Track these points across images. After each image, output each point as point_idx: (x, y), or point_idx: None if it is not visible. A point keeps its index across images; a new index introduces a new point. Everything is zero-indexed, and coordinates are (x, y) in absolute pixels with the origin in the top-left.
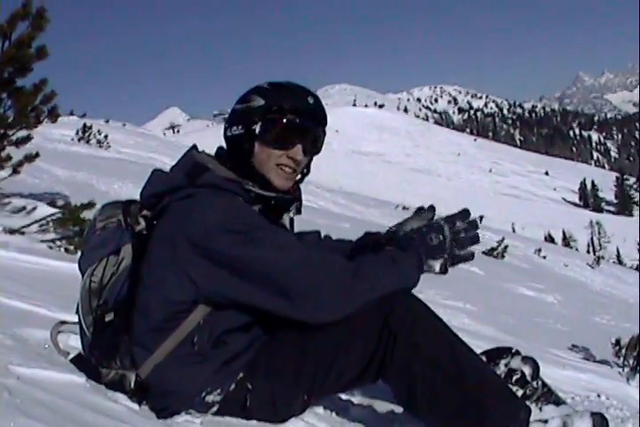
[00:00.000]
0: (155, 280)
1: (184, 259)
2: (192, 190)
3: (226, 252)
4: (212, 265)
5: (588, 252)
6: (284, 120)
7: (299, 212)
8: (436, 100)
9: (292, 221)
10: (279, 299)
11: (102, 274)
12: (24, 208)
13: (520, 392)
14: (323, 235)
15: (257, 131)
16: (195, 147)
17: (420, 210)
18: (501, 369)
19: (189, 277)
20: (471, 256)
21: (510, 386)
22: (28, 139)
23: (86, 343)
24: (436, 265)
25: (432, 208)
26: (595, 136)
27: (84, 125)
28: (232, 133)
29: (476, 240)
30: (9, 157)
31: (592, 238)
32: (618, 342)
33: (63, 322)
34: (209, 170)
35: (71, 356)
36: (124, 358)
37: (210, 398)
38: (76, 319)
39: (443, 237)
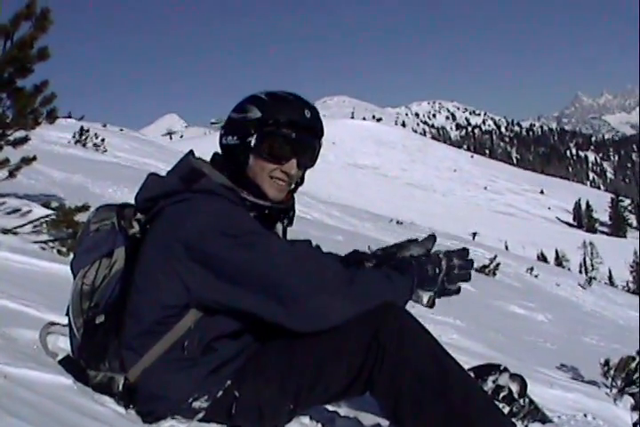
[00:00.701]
0: (147, 284)
1: (177, 262)
2: (187, 195)
3: (220, 256)
4: (205, 269)
5: (580, 272)
6: (280, 134)
7: (290, 222)
8: (434, 116)
9: (284, 231)
10: (272, 305)
11: (94, 276)
12: (19, 209)
13: (507, 409)
14: (314, 244)
15: (252, 143)
16: (191, 152)
17: (424, 239)
18: (489, 386)
19: (182, 280)
20: (457, 291)
21: (497, 403)
22: (25, 140)
23: (75, 345)
24: (425, 297)
25: (433, 238)
26: (591, 157)
27: (82, 129)
28: (227, 143)
29: (467, 278)
30: (7, 160)
31: (585, 259)
32: (607, 362)
33: (53, 323)
34: (205, 176)
35: (59, 357)
36: (112, 361)
37: (197, 405)
38: (66, 321)
39: (438, 271)
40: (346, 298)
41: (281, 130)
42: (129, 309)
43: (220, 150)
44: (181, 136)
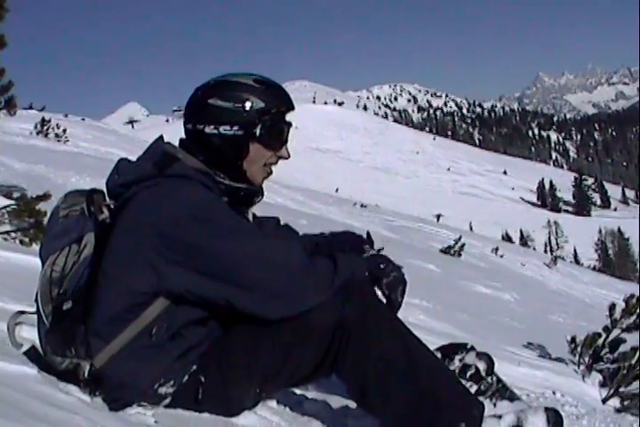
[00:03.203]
0: (117, 270)
1: (148, 248)
2: (160, 180)
3: (191, 242)
4: (175, 255)
5: (546, 251)
6: (282, 122)
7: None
8: (395, 99)
9: (254, 216)
10: (242, 293)
11: (64, 263)
12: None
13: (474, 388)
14: (282, 223)
15: (257, 133)
16: (161, 138)
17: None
18: (456, 364)
19: (153, 267)
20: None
21: (464, 381)
22: None
23: (43, 332)
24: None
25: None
26: (554, 136)
27: (43, 119)
28: (223, 133)
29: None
30: None
31: (549, 238)
32: (573, 339)
33: (22, 312)
34: (179, 160)
35: (24, 348)
36: (79, 348)
37: (163, 390)
38: (31, 310)
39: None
40: (312, 287)
41: (279, 117)
42: (97, 295)
43: (184, 136)
44: (168, 120)
